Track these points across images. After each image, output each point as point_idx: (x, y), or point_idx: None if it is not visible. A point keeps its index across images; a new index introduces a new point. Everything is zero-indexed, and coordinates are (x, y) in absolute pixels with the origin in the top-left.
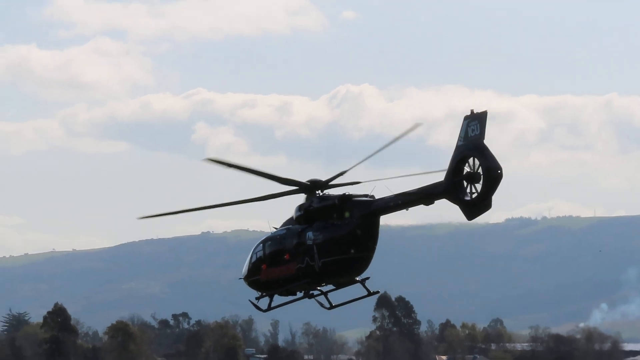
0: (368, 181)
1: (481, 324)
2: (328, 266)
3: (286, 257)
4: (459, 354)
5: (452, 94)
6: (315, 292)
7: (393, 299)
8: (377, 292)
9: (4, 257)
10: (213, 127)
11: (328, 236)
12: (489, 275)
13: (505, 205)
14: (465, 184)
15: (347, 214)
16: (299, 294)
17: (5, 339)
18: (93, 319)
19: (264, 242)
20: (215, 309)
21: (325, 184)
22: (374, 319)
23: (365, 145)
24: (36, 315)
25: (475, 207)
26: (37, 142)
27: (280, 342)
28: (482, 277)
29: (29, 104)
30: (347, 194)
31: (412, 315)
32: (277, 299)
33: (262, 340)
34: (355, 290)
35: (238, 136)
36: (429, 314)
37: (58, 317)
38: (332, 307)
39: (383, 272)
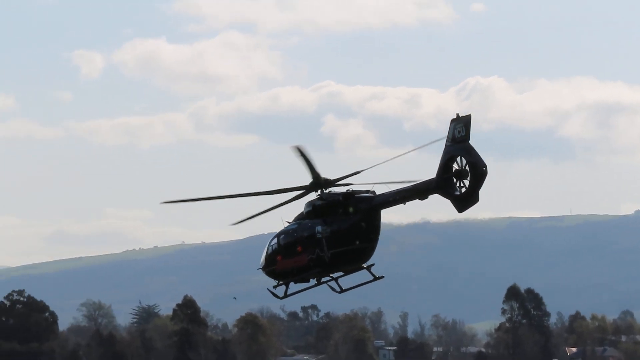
0: (367, 183)
1: (611, 316)
2: (336, 256)
3: (299, 249)
4: (588, 346)
5: (582, 85)
6: (326, 278)
7: (522, 291)
8: (382, 276)
9: (134, 249)
10: (342, 120)
11: (335, 230)
12: (618, 267)
13: (635, 197)
14: (454, 180)
15: (351, 209)
16: (313, 282)
17: (136, 330)
18: (222, 312)
19: (278, 235)
20: (343, 302)
21: (332, 182)
22: (503, 311)
23: (494, 138)
24: (166, 307)
25: (464, 201)
26: (167, 136)
27: (410, 334)
28: (611, 269)
29: (158, 98)
30: (350, 190)
31: (542, 307)
32: (293, 287)
33: (391, 332)
34: (362, 275)
35: (367, 129)
36: (558, 306)
37: (187, 309)
38: (342, 291)
39: (513, 265)
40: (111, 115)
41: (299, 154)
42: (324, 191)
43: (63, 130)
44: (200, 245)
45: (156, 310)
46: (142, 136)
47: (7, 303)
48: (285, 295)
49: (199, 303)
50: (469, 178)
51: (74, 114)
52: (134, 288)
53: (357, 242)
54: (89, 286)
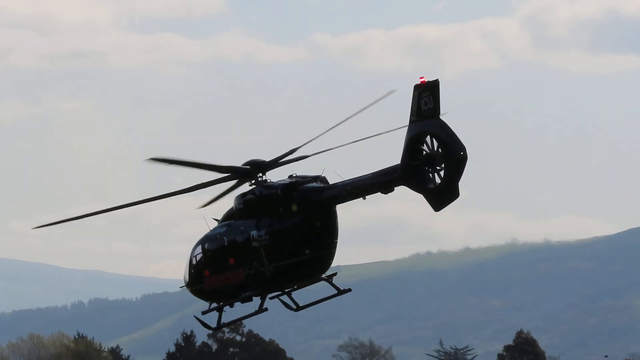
0: (323, 151)
1: None
2: (281, 271)
3: (231, 261)
4: None
5: None
6: (276, 293)
7: None
8: (349, 289)
9: None
10: None
11: (275, 236)
12: None
13: None
14: (425, 168)
15: (294, 207)
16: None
17: None
18: None
19: (202, 242)
20: None
21: (268, 165)
22: None
23: None
24: None
25: (440, 197)
26: None
27: None
28: None
29: None
30: (293, 178)
31: None
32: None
33: None
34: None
35: None
36: None
37: None
38: (299, 308)
39: None
40: None
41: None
42: (259, 179)
43: None
44: None
45: None
46: None
47: None
48: (219, 325)
49: None
50: (443, 165)
51: None
52: None
53: (307, 252)
54: None
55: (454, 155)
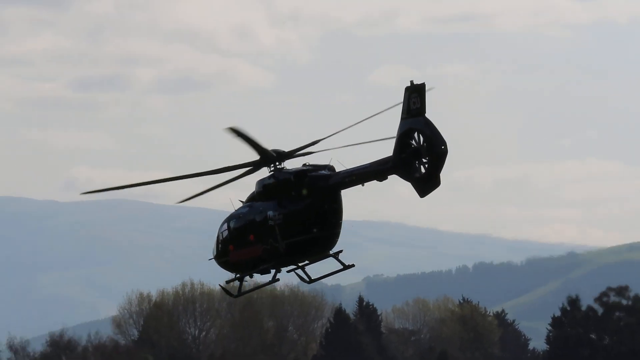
0: (338, 147)
1: None
2: (292, 247)
3: (251, 237)
4: None
5: None
6: (292, 267)
7: None
8: (352, 265)
9: None
10: None
11: (288, 215)
12: None
13: None
14: (413, 160)
15: (304, 191)
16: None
17: None
18: None
19: (228, 220)
20: None
21: (288, 155)
22: None
23: None
24: None
25: (424, 185)
26: None
27: None
28: None
29: None
30: (306, 166)
31: None
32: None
33: None
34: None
35: None
36: None
37: None
38: (311, 280)
39: None
40: None
41: (235, 134)
42: (278, 166)
43: None
44: None
45: None
46: None
47: None
48: (240, 293)
49: None
50: (427, 158)
51: None
52: None
53: (315, 230)
54: None
55: (436, 150)
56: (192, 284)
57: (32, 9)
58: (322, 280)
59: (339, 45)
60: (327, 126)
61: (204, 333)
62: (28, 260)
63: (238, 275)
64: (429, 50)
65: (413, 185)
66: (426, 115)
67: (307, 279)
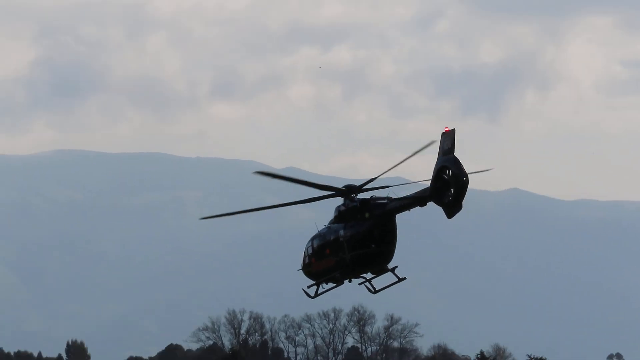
0: (395, 185)
1: None
2: (355, 258)
3: (327, 251)
4: None
5: None
6: (361, 280)
7: None
8: (404, 278)
9: None
10: None
11: (354, 233)
12: None
13: None
14: (442, 189)
15: (366, 215)
16: (345, 282)
17: None
18: None
19: (312, 239)
20: None
21: (358, 189)
22: None
23: None
24: None
25: (451, 208)
26: None
27: None
28: None
29: None
30: (372, 197)
31: None
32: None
33: None
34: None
35: None
36: None
37: None
38: (376, 291)
39: None
40: None
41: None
42: (351, 197)
43: None
44: None
45: None
46: None
47: None
48: (316, 295)
49: None
50: (453, 189)
51: None
52: None
53: (373, 245)
54: None
55: (459, 182)
56: None
57: None
58: None
59: None
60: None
61: None
62: None
63: (316, 282)
64: None
65: (443, 209)
66: (455, 154)
67: (373, 290)
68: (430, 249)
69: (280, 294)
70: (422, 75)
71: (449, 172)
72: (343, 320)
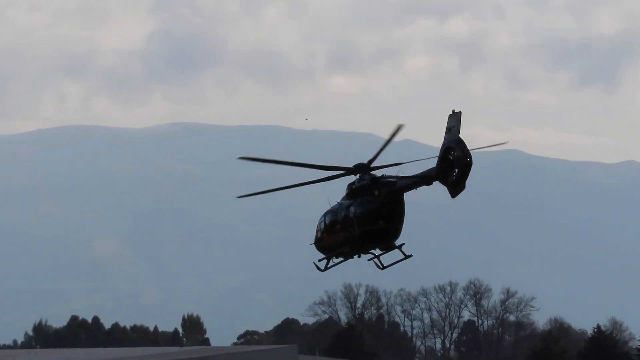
0: (406, 162)
1: None
2: (364, 235)
3: (338, 227)
4: None
5: None
6: (370, 256)
7: None
8: (411, 255)
9: None
10: None
11: (363, 210)
12: None
13: None
14: (448, 169)
15: (376, 192)
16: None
17: None
18: None
19: (325, 214)
20: None
21: (368, 167)
22: None
23: None
24: None
25: (455, 188)
26: None
27: None
28: None
29: None
30: (382, 175)
31: None
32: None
33: None
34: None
35: None
36: None
37: None
38: (384, 267)
39: None
40: None
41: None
42: (362, 175)
43: None
44: None
45: None
46: None
47: None
48: (326, 268)
49: None
50: (457, 169)
51: None
52: None
53: (381, 222)
54: None
55: (463, 162)
56: None
57: None
58: None
59: None
60: None
61: None
62: None
63: (326, 255)
64: None
65: (447, 189)
66: (460, 135)
67: (381, 266)
68: (544, 224)
69: (396, 267)
70: (538, 47)
71: (453, 152)
72: (459, 293)
